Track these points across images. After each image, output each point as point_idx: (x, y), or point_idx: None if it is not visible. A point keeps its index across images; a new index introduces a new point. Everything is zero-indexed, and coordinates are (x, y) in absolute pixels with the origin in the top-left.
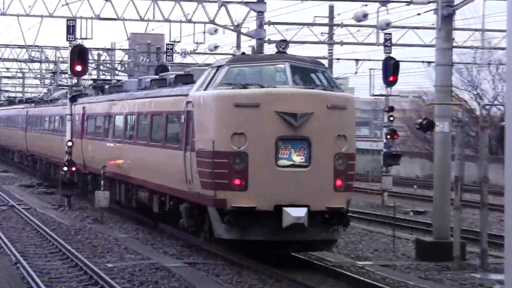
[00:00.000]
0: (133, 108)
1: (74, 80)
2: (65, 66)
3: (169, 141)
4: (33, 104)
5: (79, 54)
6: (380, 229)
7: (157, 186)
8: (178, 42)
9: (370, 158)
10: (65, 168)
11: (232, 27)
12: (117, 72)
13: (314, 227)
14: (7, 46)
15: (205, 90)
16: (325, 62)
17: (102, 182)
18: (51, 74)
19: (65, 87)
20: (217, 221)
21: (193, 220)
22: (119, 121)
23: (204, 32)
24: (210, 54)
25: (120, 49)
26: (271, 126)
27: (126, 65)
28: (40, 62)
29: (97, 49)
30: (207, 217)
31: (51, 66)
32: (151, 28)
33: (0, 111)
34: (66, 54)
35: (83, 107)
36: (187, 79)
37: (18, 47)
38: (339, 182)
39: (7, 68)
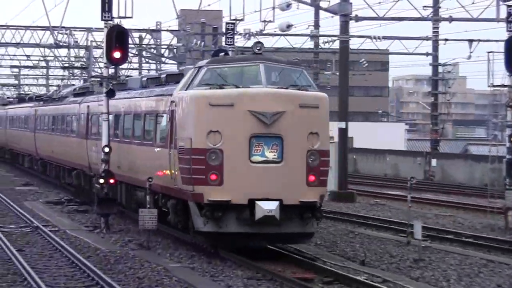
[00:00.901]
0: (129, 108)
1: (111, 70)
2: (99, 52)
3: (159, 140)
4: (41, 102)
5: (118, 37)
6: (503, 258)
7: (153, 186)
8: (241, 20)
9: (489, 167)
10: (101, 181)
11: (309, 1)
12: (163, 59)
13: (288, 220)
14: (27, 28)
15: (186, 90)
16: (428, 43)
17: (147, 198)
18: (82, 63)
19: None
20: (196, 215)
21: (179, 216)
22: (118, 121)
23: (273, 8)
24: (281, 35)
25: (167, 30)
26: (244, 125)
27: (175, 50)
28: (68, 47)
29: (139, 30)
30: (188, 212)
31: (82, 52)
32: (207, 4)
33: (9, 110)
34: (100, 37)
35: (88, 106)
36: (177, 78)
37: (41, 29)
38: (312, 178)
39: (28, 56)
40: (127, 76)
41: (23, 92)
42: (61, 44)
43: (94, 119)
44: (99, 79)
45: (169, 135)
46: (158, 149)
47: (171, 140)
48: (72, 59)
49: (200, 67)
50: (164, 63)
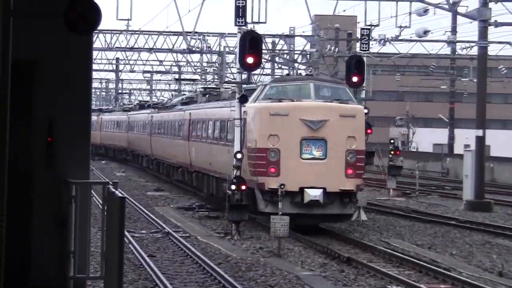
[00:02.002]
0: (214, 115)
1: (244, 75)
2: (231, 58)
3: (232, 141)
4: (156, 110)
5: (251, 43)
6: None
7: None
8: (376, 26)
9: None
10: (233, 187)
11: (446, 6)
12: (297, 64)
13: (330, 204)
14: (160, 33)
15: (253, 103)
16: None
17: (279, 204)
18: (215, 68)
19: (231, 85)
20: (259, 199)
21: (249, 201)
22: (209, 125)
23: (410, 13)
24: (417, 41)
25: (301, 35)
26: (297, 130)
27: (308, 56)
28: (201, 52)
29: (273, 35)
30: (255, 197)
31: (214, 57)
32: (341, 9)
33: (130, 115)
34: (233, 42)
35: (190, 113)
36: (251, 92)
37: (174, 35)
38: (349, 171)
39: (160, 61)
40: (201, 92)
41: (154, 98)
42: (194, 49)
43: (195, 124)
44: (231, 84)
45: (241, 138)
46: (230, 148)
47: (242, 141)
48: (205, 64)
49: (265, 85)
50: (297, 68)
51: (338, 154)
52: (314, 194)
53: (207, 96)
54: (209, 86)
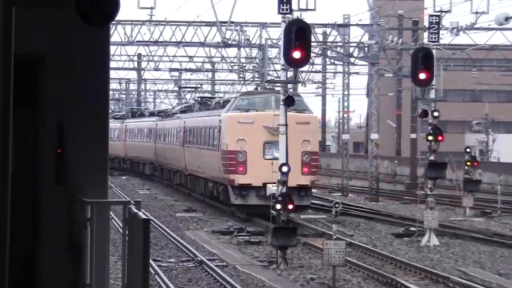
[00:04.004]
0: (198, 123)
1: (290, 73)
2: (274, 52)
3: (212, 146)
4: (160, 118)
5: (298, 34)
6: None
7: (209, 176)
8: (447, 12)
9: None
10: (278, 206)
11: None
12: (352, 59)
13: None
14: (189, 23)
15: (226, 113)
16: None
17: (333, 227)
18: (255, 64)
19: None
20: (231, 193)
21: (224, 195)
22: (199, 132)
23: None
24: (497, 29)
25: (357, 24)
26: (260, 135)
27: (366, 49)
28: (238, 46)
29: (323, 25)
30: (227, 191)
31: (254, 52)
32: None
33: (131, 123)
34: (276, 34)
35: (184, 121)
36: (227, 103)
37: (206, 25)
38: (305, 169)
39: (190, 57)
40: (197, 101)
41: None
42: (229, 42)
43: (188, 131)
44: (274, 84)
45: (218, 142)
46: (213, 152)
47: (218, 145)
48: (243, 60)
49: (236, 97)
50: (353, 64)
51: (295, 155)
52: (275, 188)
53: (199, 105)
54: (204, 96)
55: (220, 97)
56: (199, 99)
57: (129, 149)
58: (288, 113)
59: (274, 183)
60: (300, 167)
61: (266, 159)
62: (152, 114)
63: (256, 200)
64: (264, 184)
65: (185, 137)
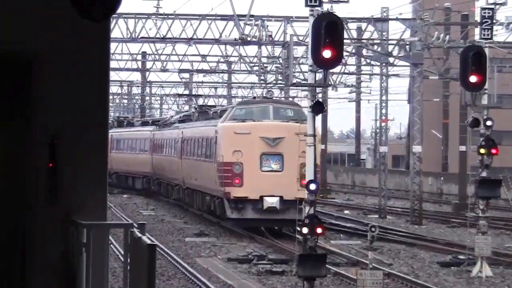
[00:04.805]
0: (193, 134)
1: (319, 74)
2: (300, 51)
3: (209, 157)
4: (157, 127)
5: (328, 29)
6: None
7: (206, 189)
8: (502, 4)
9: None
10: (305, 230)
11: None
12: (392, 59)
13: (287, 210)
14: (202, 17)
15: (222, 123)
16: None
17: (369, 254)
18: (278, 65)
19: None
20: (227, 207)
21: (220, 209)
22: (196, 143)
23: None
24: None
25: (397, 19)
26: (257, 146)
27: (407, 47)
28: (259, 44)
29: (358, 19)
30: (223, 205)
31: (278, 50)
32: None
33: (118, 133)
34: (303, 29)
35: (182, 132)
36: (222, 113)
37: (222, 19)
38: (304, 182)
39: (203, 56)
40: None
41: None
42: (249, 39)
43: (186, 141)
44: (302, 87)
45: (214, 154)
46: (210, 164)
47: (214, 157)
48: (264, 60)
49: (233, 107)
50: (392, 65)
51: (293, 167)
52: (272, 201)
53: (198, 114)
54: (205, 105)
55: (222, 106)
56: (199, 107)
57: (116, 162)
58: (286, 123)
59: (272, 195)
60: (299, 179)
61: (263, 171)
62: (145, 123)
63: (253, 214)
64: (261, 197)
65: (183, 148)
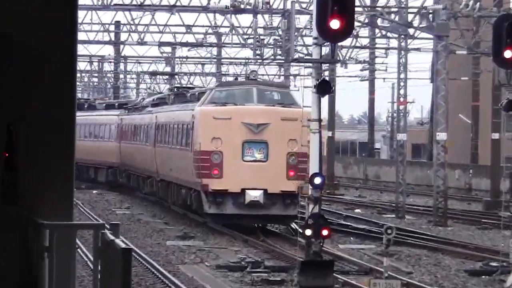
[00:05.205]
0: (176, 119)
1: (326, 48)
2: (304, 20)
3: (185, 145)
4: (126, 111)
5: None
6: None
7: (181, 181)
8: None
9: None
10: (308, 232)
11: None
12: (412, 31)
13: (272, 205)
14: None
15: (199, 106)
16: None
17: (384, 261)
18: (277, 37)
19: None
20: (204, 201)
21: (197, 203)
22: (171, 129)
23: None
24: None
25: None
26: (239, 133)
27: (430, 16)
28: (254, 12)
29: None
30: (200, 198)
31: (276, 20)
32: None
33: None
34: None
35: (156, 116)
36: (200, 96)
37: None
38: (291, 173)
39: (188, 27)
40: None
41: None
42: (242, 6)
43: (160, 128)
44: (304, 63)
45: (190, 141)
46: (185, 152)
47: (191, 144)
48: (261, 31)
49: (212, 89)
50: (412, 37)
51: (280, 156)
52: (254, 195)
53: (174, 97)
54: (183, 86)
55: (200, 87)
56: (175, 89)
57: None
58: (271, 107)
59: (255, 188)
60: (285, 170)
61: (245, 161)
62: (109, 106)
63: (233, 209)
64: (243, 190)
65: (156, 135)
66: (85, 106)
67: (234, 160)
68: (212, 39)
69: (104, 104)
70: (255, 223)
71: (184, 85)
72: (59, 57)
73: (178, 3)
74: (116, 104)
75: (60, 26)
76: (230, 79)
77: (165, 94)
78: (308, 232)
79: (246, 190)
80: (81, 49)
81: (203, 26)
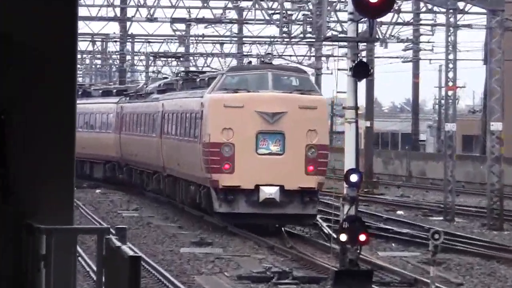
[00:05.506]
0: (184, 107)
1: (362, 25)
2: None
3: (193, 136)
4: (127, 99)
5: None
6: None
7: (192, 177)
8: None
9: None
10: (344, 237)
11: None
12: (462, 4)
13: (289, 203)
14: None
15: (209, 93)
16: None
17: (431, 270)
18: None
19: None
20: (214, 198)
21: (206, 201)
22: (179, 119)
23: None
24: None
25: None
26: (252, 123)
27: None
28: None
29: None
30: (210, 195)
31: None
32: None
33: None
34: None
35: (162, 104)
36: (210, 81)
37: None
38: (310, 168)
39: (205, 1)
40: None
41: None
42: None
43: (167, 117)
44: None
45: (199, 132)
46: (194, 144)
47: (200, 136)
48: (288, 5)
49: (222, 74)
50: (463, 12)
51: (298, 149)
52: (270, 192)
53: (182, 82)
54: (192, 70)
55: (212, 71)
56: (182, 73)
57: None
58: (288, 94)
59: (270, 185)
60: (304, 164)
61: (259, 154)
62: (107, 93)
63: (246, 208)
64: (257, 187)
65: (163, 125)
66: (79, 93)
67: (247, 153)
68: (232, 14)
69: (100, 91)
70: (270, 223)
71: (196, 69)
72: (59, 57)
73: None
74: (115, 90)
75: (60, 26)
76: (254, 61)
77: (172, 79)
78: (343, 237)
79: (261, 187)
80: (82, 27)
81: (221, 0)
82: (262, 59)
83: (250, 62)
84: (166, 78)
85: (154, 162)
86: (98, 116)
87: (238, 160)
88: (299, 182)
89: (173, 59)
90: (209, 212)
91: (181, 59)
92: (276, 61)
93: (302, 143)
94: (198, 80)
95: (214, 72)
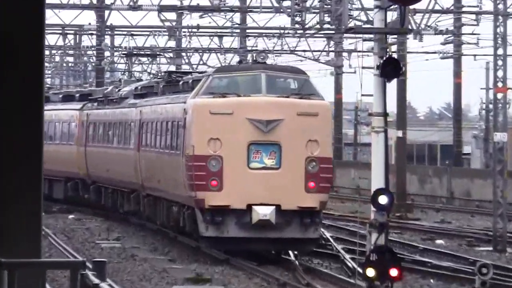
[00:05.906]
0: (164, 114)
1: (391, 14)
2: None
3: (176, 149)
4: (94, 105)
5: None
6: None
7: (173, 196)
8: None
9: None
10: (371, 272)
11: None
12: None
13: (287, 225)
14: None
15: (193, 98)
16: None
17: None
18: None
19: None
20: (200, 220)
21: (190, 223)
22: (159, 128)
23: None
24: None
25: None
26: (244, 132)
27: None
28: None
29: None
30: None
31: None
32: None
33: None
34: None
35: (140, 111)
36: (195, 84)
37: None
38: (311, 184)
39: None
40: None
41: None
42: None
43: (145, 126)
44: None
45: (182, 143)
46: (176, 158)
47: (182, 148)
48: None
49: (208, 75)
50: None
51: (296, 162)
52: (264, 212)
53: (163, 85)
54: (174, 70)
55: (198, 72)
56: (167, 74)
57: None
58: (285, 99)
59: (264, 204)
60: (304, 180)
61: (251, 169)
62: (68, 98)
63: (237, 231)
64: (249, 207)
65: (141, 136)
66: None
67: (237, 168)
68: (234, 1)
69: (60, 95)
70: (264, 248)
71: (177, 71)
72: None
73: None
74: (77, 95)
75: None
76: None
77: (152, 82)
78: (371, 272)
79: (253, 207)
80: (51, 16)
81: None
82: (254, 58)
83: (240, 62)
84: (140, 80)
85: (131, 179)
86: (58, 125)
87: (227, 175)
88: (298, 201)
89: (161, 56)
90: (194, 237)
91: (171, 55)
92: (286, 58)
93: (301, 155)
94: (181, 83)
95: (201, 73)
